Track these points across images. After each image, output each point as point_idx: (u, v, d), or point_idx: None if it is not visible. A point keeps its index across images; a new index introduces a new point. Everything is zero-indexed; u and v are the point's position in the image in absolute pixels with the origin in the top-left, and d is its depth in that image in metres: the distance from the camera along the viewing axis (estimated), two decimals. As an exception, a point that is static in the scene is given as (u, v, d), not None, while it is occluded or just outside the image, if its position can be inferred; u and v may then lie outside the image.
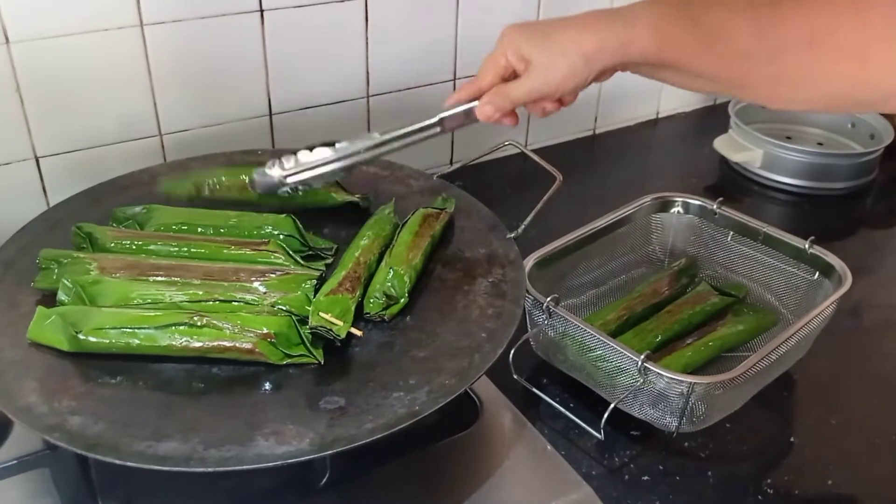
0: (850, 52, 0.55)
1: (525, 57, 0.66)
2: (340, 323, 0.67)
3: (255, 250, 0.76)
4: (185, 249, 0.76)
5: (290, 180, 0.72)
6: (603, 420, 0.73)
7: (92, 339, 0.65)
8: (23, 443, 0.71)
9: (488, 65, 0.69)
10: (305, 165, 0.71)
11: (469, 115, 0.71)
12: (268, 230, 0.80)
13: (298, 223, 0.79)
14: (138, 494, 0.68)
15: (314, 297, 0.70)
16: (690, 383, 0.70)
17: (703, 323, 0.86)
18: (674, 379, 0.71)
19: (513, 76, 0.69)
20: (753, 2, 0.59)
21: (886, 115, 1.32)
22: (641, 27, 0.62)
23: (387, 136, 0.71)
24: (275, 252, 0.76)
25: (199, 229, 0.80)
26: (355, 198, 0.87)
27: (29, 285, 0.72)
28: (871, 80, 0.56)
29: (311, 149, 0.71)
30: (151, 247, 0.76)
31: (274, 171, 0.72)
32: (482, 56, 0.70)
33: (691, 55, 0.62)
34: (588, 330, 0.75)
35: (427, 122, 0.71)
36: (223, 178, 0.86)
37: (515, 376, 0.80)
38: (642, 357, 0.71)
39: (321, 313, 0.67)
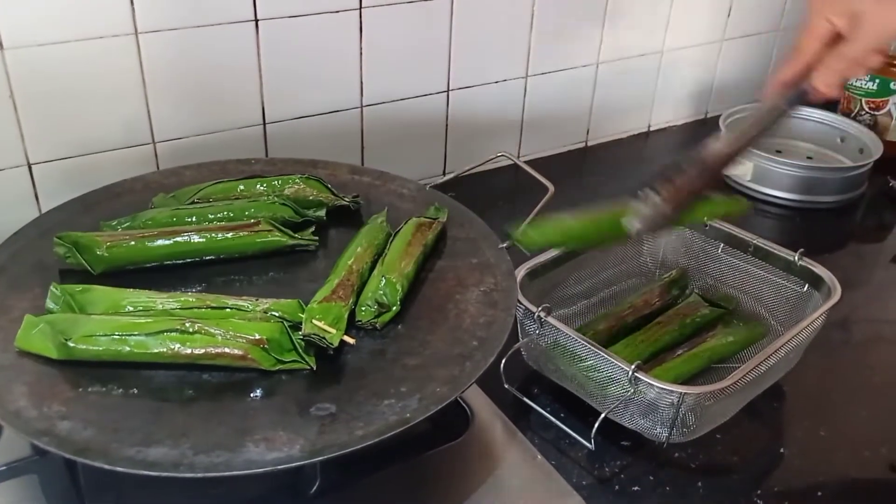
0: None
1: (853, 10, 0.63)
2: (333, 331, 0.67)
3: (248, 232, 0.78)
4: (183, 239, 0.77)
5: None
6: (593, 430, 0.73)
7: (82, 346, 0.64)
8: (11, 448, 0.70)
9: (807, 39, 0.66)
10: None
11: (802, 97, 0.68)
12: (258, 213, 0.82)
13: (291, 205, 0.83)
14: (127, 501, 0.68)
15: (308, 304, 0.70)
16: (681, 393, 0.70)
17: (693, 334, 0.86)
18: (664, 389, 0.71)
19: (834, 41, 0.66)
20: None
21: (875, 130, 1.33)
22: None
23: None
24: (269, 230, 0.79)
25: (188, 219, 0.81)
26: (346, 200, 0.87)
27: (20, 291, 0.72)
28: None
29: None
30: (147, 243, 0.77)
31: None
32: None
33: None
34: (579, 340, 0.75)
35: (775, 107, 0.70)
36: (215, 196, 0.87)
37: (506, 386, 0.80)
38: (633, 367, 0.71)
39: (314, 321, 0.67)
